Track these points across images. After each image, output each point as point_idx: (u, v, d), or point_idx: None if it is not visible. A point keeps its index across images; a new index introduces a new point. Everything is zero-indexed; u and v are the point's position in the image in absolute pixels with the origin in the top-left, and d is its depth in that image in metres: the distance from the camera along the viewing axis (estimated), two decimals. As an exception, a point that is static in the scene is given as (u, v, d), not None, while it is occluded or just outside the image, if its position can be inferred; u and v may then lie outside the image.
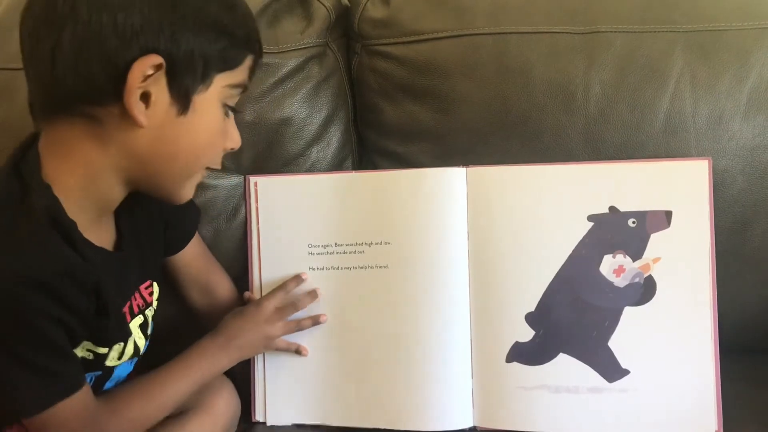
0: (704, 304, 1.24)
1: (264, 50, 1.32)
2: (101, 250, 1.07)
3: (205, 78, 1.01)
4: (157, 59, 0.95)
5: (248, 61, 1.07)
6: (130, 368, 1.20)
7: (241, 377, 1.36)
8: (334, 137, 1.44)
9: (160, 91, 0.98)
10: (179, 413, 1.24)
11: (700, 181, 1.26)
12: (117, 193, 1.06)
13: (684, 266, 1.25)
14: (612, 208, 1.26)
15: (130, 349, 1.15)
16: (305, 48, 1.39)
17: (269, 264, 1.34)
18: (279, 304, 1.30)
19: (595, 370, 1.26)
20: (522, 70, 1.34)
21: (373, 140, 1.46)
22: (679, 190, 1.26)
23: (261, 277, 1.35)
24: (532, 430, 1.27)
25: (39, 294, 0.95)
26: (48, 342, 0.99)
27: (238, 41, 1.04)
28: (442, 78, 1.36)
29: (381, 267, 1.31)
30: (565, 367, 1.26)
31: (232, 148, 1.11)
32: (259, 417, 1.35)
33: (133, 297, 1.16)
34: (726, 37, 1.32)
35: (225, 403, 1.28)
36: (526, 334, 1.28)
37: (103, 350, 1.10)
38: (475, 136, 1.36)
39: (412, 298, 1.29)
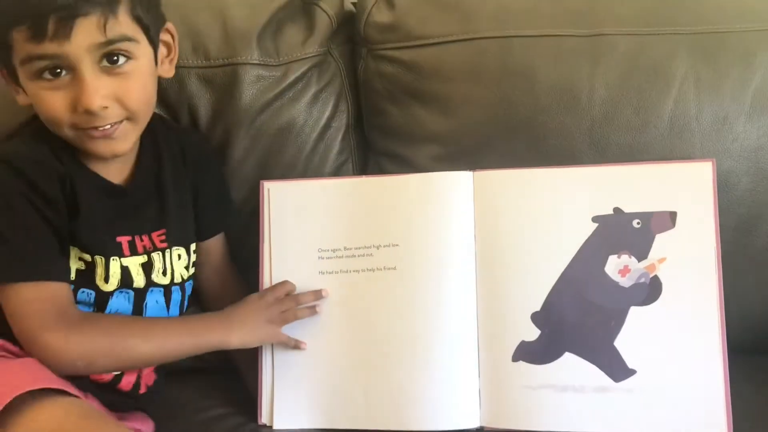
0: (711, 304, 1.23)
1: (265, 63, 1.38)
2: (97, 176, 1.21)
3: (10, 67, 1.13)
4: None
5: (18, 36, 1.08)
6: (129, 308, 1.25)
7: (248, 380, 1.37)
8: (334, 143, 1.46)
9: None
10: None
11: (704, 182, 1.26)
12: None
13: (690, 266, 1.24)
14: (617, 209, 1.27)
15: (116, 273, 1.22)
16: (306, 58, 1.41)
17: (280, 268, 1.35)
18: (280, 295, 1.32)
19: (602, 369, 1.25)
20: (527, 73, 1.35)
21: (380, 143, 1.47)
22: (684, 192, 1.26)
23: (272, 281, 1.35)
24: (539, 429, 1.26)
25: (10, 172, 1.13)
26: (18, 218, 1.12)
27: None
28: (447, 81, 1.38)
29: (389, 269, 1.31)
30: (571, 366, 1.26)
31: (85, 110, 1.11)
32: (265, 420, 1.34)
33: (138, 236, 1.25)
34: (730, 39, 1.33)
35: None
36: (532, 333, 1.28)
37: (87, 257, 1.20)
38: (481, 139, 1.38)
39: (420, 299, 1.30)
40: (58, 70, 1.09)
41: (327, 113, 1.44)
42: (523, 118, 1.35)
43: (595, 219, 1.27)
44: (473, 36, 1.37)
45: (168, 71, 1.25)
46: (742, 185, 1.33)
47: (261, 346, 1.33)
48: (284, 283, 1.33)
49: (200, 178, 1.35)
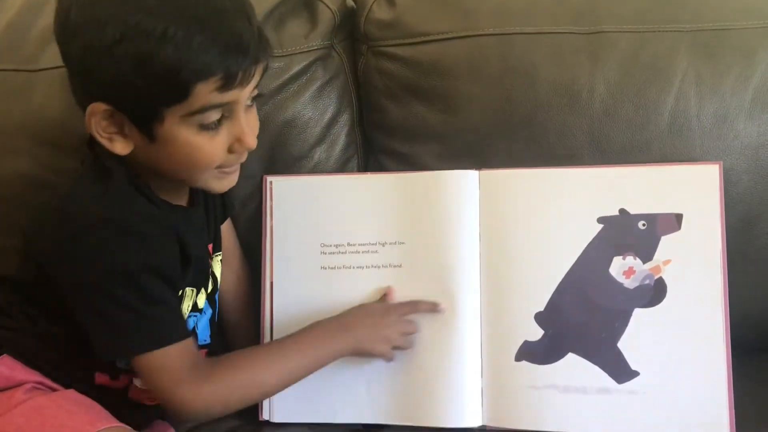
0: (716, 307, 1.24)
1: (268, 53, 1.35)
2: (177, 206, 1.19)
3: (154, 114, 1.05)
4: (102, 106, 1.05)
5: (204, 87, 1.03)
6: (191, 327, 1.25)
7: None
8: (339, 138, 1.45)
9: (129, 125, 1.07)
10: None
11: (710, 185, 1.26)
12: (167, 179, 1.15)
13: (695, 269, 1.25)
14: (622, 211, 1.27)
15: (193, 299, 1.23)
16: (309, 51, 1.40)
17: (281, 262, 1.35)
18: (407, 314, 1.30)
19: (605, 370, 1.26)
20: (527, 70, 1.34)
21: (379, 141, 1.46)
22: (690, 194, 1.27)
23: (272, 275, 1.35)
24: (541, 429, 1.27)
25: (127, 238, 1.07)
26: (145, 290, 1.08)
27: (173, 79, 1.02)
28: (447, 79, 1.37)
29: (395, 266, 1.32)
30: (574, 367, 1.27)
31: (246, 149, 1.13)
32: (266, 416, 1.34)
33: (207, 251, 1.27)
34: (730, 36, 1.32)
35: None
36: (536, 333, 1.28)
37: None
38: (481, 136, 1.37)
39: (424, 297, 1.29)
40: (221, 117, 1.08)
41: (332, 108, 1.43)
42: (523, 115, 1.35)
43: (600, 220, 1.27)
44: (473, 33, 1.36)
45: None
46: (743, 183, 1.33)
47: (262, 342, 1.34)
48: (414, 303, 1.30)
49: None
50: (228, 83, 1.04)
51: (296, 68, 1.39)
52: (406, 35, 1.39)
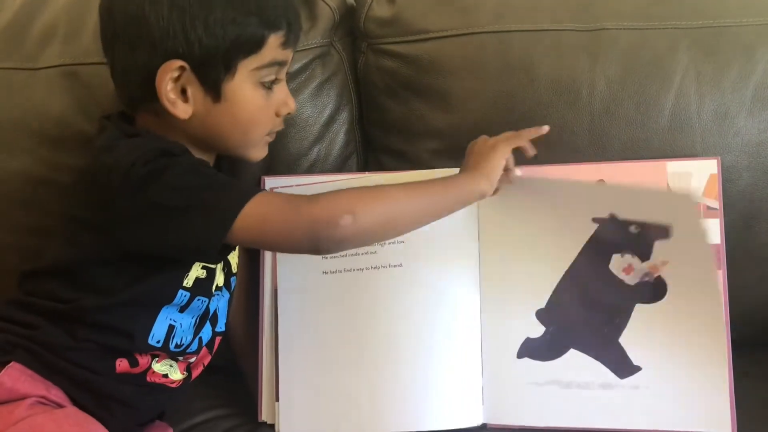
0: (716, 303, 1.23)
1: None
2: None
3: (228, 68, 1.12)
4: (177, 63, 1.09)
5: (274, 40, 1.13)
6: (209, 333, 1.26)
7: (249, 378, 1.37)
8: (338, 136, 1.45)
9: (194, 86, 1.12)
10: None
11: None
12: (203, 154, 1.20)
13: (695, 265, 1.23)
14: (612, 216, 1.25)
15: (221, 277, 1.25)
16: (309, 48, 1.40)
17: (282, 268, 1.33)
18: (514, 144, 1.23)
19: (606, 366, 1.25)
20: (527, 67, 1.34)
21: (379, 139, 1.46)
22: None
23: (274, 283, 1.34)
24: (543, 425, 1.27)
25: (179, 153, 1.10)
26: (206, 172, 1.11)
27: (252, 27, 1.11)
28: (447, 76, 1.37)
29: (394, 266, 1.30)
30: (576, 363, 1.26)
31: (288, 114, 1.21)
32: (265, 418, 1.33)
33: None
34: (731, 33, 1.32)
35: None
36: (537, 330, 1.28)
37: (211, 264, 1.21)
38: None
39: (425, 296, 1.29)
40: (275, 78, 1.17)
41: (331, 106, 1.43)
42: (523, 113, 1.34)
43: (595, 220, 1.26)
44: (473, 30, 1.36)
45: None
46: (743, 181, 1.32)
47: (260, 343, 1.33)
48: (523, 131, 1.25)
49: None
50: (289, 38, 1.15)
51: (295, 66, 1.38)
52: (406, 33, 1.39)
